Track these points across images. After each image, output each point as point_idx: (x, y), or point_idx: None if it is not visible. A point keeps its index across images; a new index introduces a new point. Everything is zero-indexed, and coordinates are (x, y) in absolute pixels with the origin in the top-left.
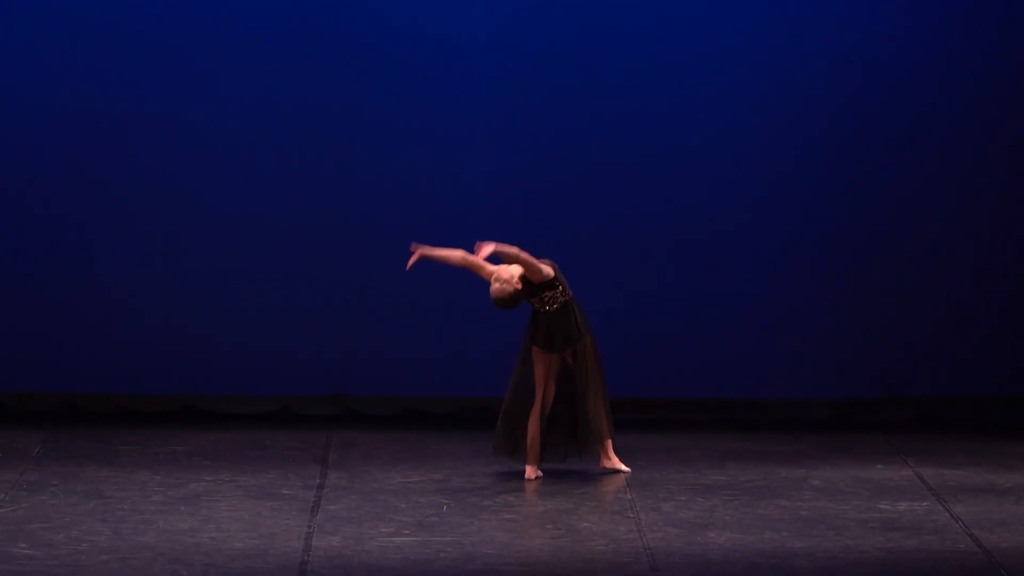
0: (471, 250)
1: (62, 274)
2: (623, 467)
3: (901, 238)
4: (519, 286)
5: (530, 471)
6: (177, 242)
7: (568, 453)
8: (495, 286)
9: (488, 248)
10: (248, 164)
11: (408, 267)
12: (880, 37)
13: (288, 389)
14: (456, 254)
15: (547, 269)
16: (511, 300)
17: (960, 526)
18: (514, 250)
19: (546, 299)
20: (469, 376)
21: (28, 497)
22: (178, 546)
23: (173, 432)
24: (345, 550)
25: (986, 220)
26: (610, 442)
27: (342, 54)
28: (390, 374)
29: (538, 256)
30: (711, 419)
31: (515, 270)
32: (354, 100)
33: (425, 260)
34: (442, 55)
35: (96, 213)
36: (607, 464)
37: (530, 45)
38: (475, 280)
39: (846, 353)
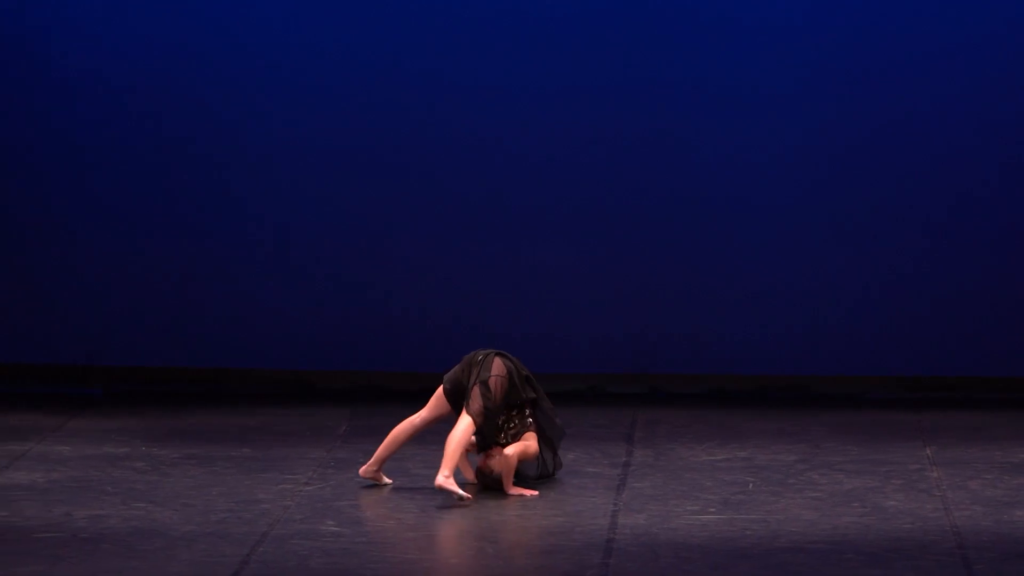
0: None
1: (363, 258)
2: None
3: None
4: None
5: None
6: (485, 225)
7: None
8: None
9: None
10: (557, 150)
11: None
12: None
13: (595, 367)
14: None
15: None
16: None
17: None
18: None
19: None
20: (773, 354)
21: (336, 475)
22: (484, 524)
23: None
24: (651, 528)
25: None
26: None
27: (642, 36)
28: (695, 352)
29: None
30: (1017, 397)
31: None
32: (652, 82)
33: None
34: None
35: (390, 195)
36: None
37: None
38: (781, 260)
39: None
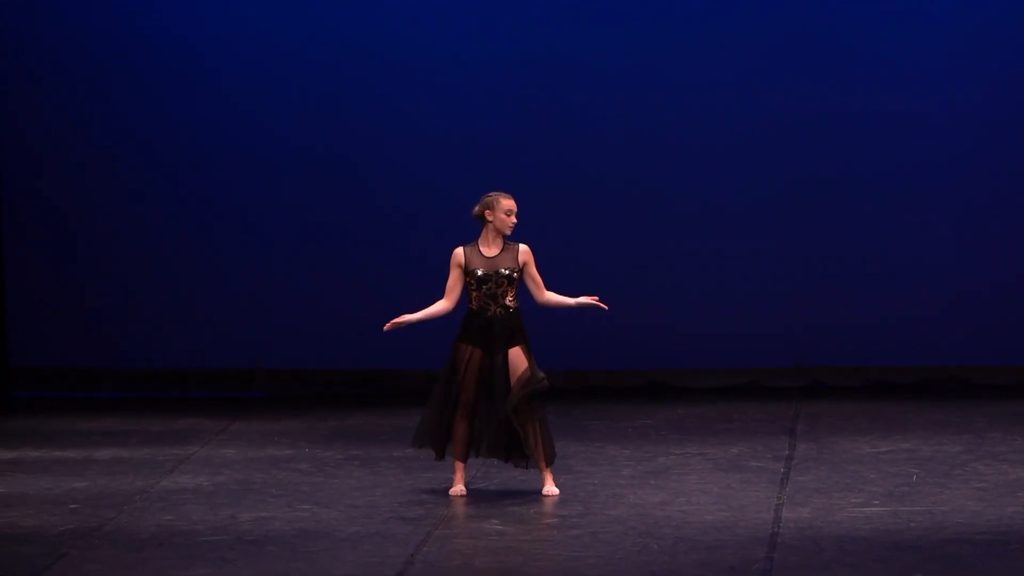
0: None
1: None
2: None
3: None
4: None
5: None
6: (643, 223)
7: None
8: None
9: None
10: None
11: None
12: None
13: (754, 362)
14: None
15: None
16: None
17: None
18: None
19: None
20: (934, 345)
21: (499, 474)
22: (648, 520)
23: (640, 407)
24: (815, 521)
25: None
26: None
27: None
28: (855, 345)
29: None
30: None
31: None
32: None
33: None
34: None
35: (546, 193)
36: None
37: None
38: (940, 252)
39: None
